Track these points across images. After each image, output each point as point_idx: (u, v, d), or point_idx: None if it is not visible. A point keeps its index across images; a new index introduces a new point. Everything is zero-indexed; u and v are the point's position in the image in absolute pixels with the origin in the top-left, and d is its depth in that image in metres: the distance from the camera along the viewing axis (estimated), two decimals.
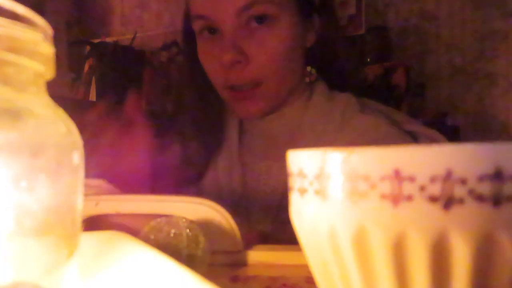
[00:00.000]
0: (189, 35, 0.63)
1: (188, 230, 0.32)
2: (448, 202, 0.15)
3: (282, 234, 0.38)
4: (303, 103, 0.62)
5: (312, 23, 0.61)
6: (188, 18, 0.63)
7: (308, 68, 0.62)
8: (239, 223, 0.38)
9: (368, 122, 0.57)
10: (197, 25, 0.59)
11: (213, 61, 0.58)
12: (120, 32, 2.55)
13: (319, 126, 0.59)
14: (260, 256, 0.37)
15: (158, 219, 0.33)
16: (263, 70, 0.56)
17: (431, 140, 0.56)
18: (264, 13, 0.55)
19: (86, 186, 0.41)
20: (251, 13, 0.54)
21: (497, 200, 0.15)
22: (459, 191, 0.15)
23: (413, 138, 0.57)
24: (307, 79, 0.62)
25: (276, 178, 0.59)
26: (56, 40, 0.18)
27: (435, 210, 0.15)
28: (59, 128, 0.18)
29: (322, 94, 0.62)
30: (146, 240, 0.31)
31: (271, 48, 0.56)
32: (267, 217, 0.59)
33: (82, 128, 0.19)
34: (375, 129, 0.57)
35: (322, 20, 0.62)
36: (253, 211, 0.60)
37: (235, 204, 0.61)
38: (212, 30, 0.57)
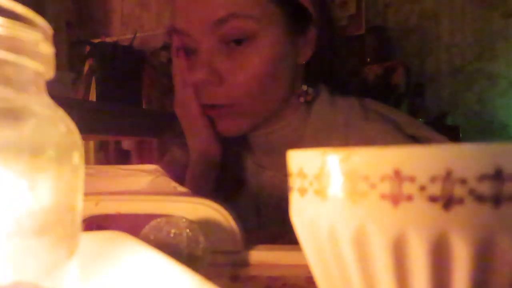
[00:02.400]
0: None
1: (188, 230, 0.31)
2: (448, 202, 0.15)
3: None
4: (303, 114, 0.59)
5: (307, 37, 0.57)
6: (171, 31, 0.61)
7: (305, 87, 0.58)
8: (239, 223, 0.38)
9: (373, 130, 0.56)
10: (174, 39, 0.56)
11: (185, 79, 0.55)
12: (120, 32, 2.55)
13: (322, 136, 0.57)
14: (260, 256, 0.37)
15: (158, 219, 0.33)
16: (237, 91, 0.52)
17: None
18: (242, 32, 0.51)
19: (142, 171, 0.41)
20: (228, 29, 0.51)
21: (497, 200, 0.15)
22: (459, 191, 0.15)
23: (416, 141, 0.56)
24: (302, 99, 0.58)
25: (280, 187, 0.58)
26: (56, 40, 0.18)
27: (435, 210, 0.15)
28: (59, 128, 0.18)
29: (324, 102, 0.59)
30: (146, 240, 0.31)
31: (249, 70, 0.52)
32: (276, 221, 0.58)
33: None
34: (380, 135, 0.55)
35: (320, 33, 0.57)
36: (265, 214, 0.60)
37: (251, 206, 0.61)
38: (187, 50, 0.55)
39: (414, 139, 0.56)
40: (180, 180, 0.65)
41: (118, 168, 0.42)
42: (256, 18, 0.51)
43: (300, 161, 0.19)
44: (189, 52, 0.55)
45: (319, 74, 0.61)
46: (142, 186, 0.41)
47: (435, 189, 0.15)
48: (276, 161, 0.59)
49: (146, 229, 0.32)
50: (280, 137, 0.60)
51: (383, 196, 0.16)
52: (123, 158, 1.99)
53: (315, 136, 0.58)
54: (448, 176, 0.15)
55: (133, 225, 0.36)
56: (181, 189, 0.41)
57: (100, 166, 0.43)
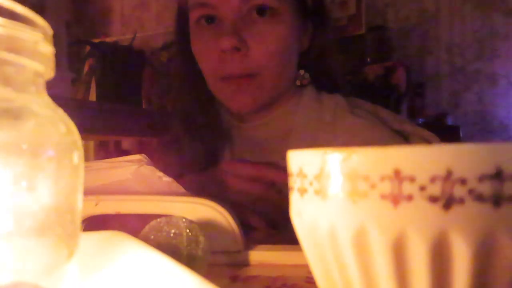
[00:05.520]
0: (183, 30, 0.62)
1: (188, 230, 0.31)
2: (448, 202, 0.15)
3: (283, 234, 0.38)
4: (292, 107, 0.61)
5: (307, 27, 0.61)
6: (182, 11, 0.62)
7: (302, 72, 0.62)
8: (239, 223, 0.38)
9: (359, 123, 0.57)
10: (195, 14, 0.58)
11: (210, 49, 0.57)
12: (120, 32, 2.55)
13: (310, 130, 0.59)
14: (260, 256, 0.37)
15: (158, 219, 0.33)
16: (261, 61, 0.55)
17: (422, 139, 0.57)
18: (266, 5, 0.55)
19: (127, 161, 0.41)
20: (254, 3, 0.54)
21: (497, 200, 0.15)
22: (459, 191, 0.15)
23: (404, 138, 0.57)
24: (299, 82, 0.62)
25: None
26: (56, 40, 0.18)
27: (435, 210, 0.15)
28: (59, 128, 0.18)
29: (311, 97, 0.61)
30: (146, 240, 0.31)
31: (271, 40, 0.55)
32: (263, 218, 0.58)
33: None
34: (367, 130, 0.57)
35: (315, 26, 0.61)
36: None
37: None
38: (210, 19, 0.57)
39: (399, 134, 0.57)
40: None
41: (103, 161, 0.42)
42: None
43: (300, 161, 0.19)
44: (208, 23, 0.58)
45: (312, 65, 0.63)
46: (127, 177, 0.40)
47: (435, 189, 0.15)
48: (263, 157, 0.60)
49: (146, 229, 0.32)
50: (269, 131, 0.61)
51: (383, 196, 0.16)
52: None
53: (303, 131, 0.59)
54: (448, 176, 0.15)
55: (133, 225, 0.36)
56: (166, 178, 0.41)
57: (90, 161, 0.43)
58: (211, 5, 0.55)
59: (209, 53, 0.57)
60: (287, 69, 0.59)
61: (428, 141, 0.57)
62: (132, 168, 0.40)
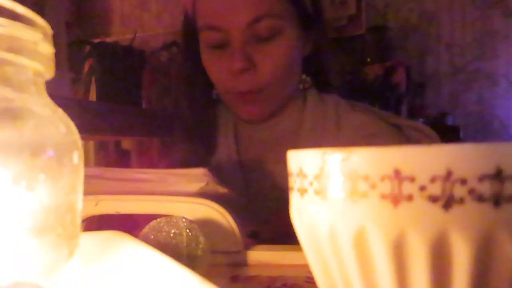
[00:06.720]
0: (190, 39, 0.64)
1: (188, 230, 0.31)
2: (448, 202, 0.15)
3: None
4: (299, 108, 0.64)
5: (309, 34, 0.64)
6: (189, 24, 0.64)
7: (304, 76, 0.66)
8: (239, 223, 0.38)
9: (361, 118, 0.61)
10: (205, 35, 0.60)
11: (220, 69, 0.60)
12: (120, 32, 2.55)
13: (317, 128, 0.62)
14: (260, 256, 0.37)
15: (158, 219, 0.33)
16: (268, 77, 0.58)
17: (416, 129, 0.61)
18: (271, 26, 0.57)
19: (191, 175, 0.41)
20: (260, 26, 0.57)
21: (497, 200, 0.15)
22: (459, 191, 0.15)
23: (399, 129, 0.61)
24: (301, 86, 0.65)
25: (281, 178, 0.60)
26: (56, 40, 0.18)
27: (435, 210, 0.15)
28: (59, 128, 0.18)
29: (315, 97, 0.65)
30: (146, 240, 0.31)
31: (277, 57, 0.58)
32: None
33: None
34: (368, 124, 0.60)
35: (316, 31, 0.64)
36: (262, 211, 0.61)
37: (242, 207, 0.62)
38: (220, 44, 0.59)
39: (397, 128, 0.61)
40: None
41: (167, 173, 0.43)
42: (282, 17, 0.58)
43: (300, 161, 0.19)
44: (218, 46, 0.60)
45: (313, 68, 0.66)
46: (193, 193, 0.41)
47: (435, 189, 0.15)
48: (272, 155, 0.63)
49: (146, 229, 0.32)
50: (278, 131, 0.64)
51: (383, 196, 0.16)
52: (123, 158, 1.99)
53: (311, 129, 0.62)
54: (448, 176, 0.15)
55: (133, 225, 0.36)
56: (227, 192, 0.42)
57: (150, 170, 0.43)
58: (220, 28, 0.58)
59: (220, 72, 0.60)
60: (292, 78, 0.62)
61: (421, 131, 0.60)
62: (197, 185, 0.41)
